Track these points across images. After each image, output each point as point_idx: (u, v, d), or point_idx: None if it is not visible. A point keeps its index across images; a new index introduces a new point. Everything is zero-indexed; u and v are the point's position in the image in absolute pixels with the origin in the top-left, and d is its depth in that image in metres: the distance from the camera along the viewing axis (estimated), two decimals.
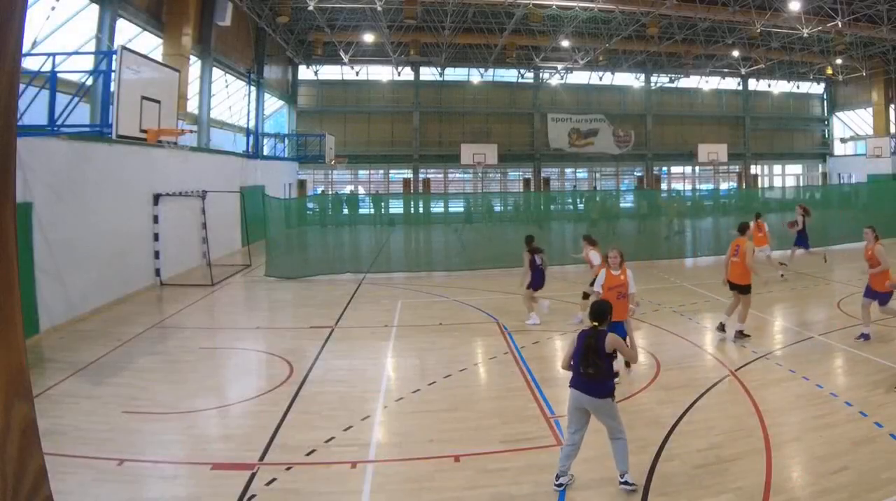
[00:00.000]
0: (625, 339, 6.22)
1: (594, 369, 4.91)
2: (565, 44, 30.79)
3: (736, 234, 9.99)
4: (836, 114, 41.23)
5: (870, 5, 24.88)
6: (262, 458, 5.65)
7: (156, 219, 14.55)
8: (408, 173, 37.21)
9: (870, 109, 37.22)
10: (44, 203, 10.17)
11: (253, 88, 26.40)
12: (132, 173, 13.62)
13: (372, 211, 25.38)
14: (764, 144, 40.71)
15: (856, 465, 5.17)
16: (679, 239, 20.89)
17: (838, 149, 41.37)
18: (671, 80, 37.89)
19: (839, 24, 25.07)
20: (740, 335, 9.31)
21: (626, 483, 4.95)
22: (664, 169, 40.59)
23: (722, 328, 9.58)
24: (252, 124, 25.25)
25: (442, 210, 26.06)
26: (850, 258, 17.80)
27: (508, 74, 37.59)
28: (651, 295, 12.95)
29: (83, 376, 8.02)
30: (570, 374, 5.19)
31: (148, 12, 17.36)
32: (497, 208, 25.28)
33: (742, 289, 9.42)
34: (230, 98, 25.08)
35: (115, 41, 14.57)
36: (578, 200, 26.45)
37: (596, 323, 5.08)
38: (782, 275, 14.37)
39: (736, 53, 32.70)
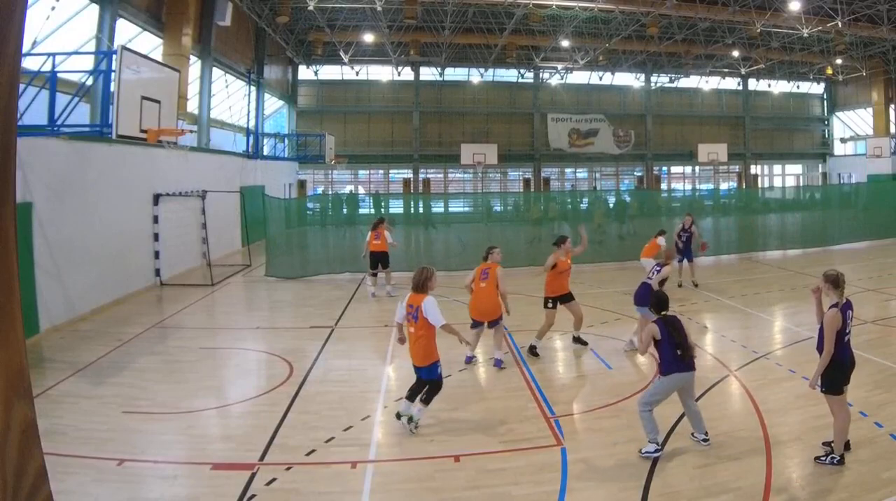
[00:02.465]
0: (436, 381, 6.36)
1: (690, 348, 5.72)
2: (565, 44, 30.80)
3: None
4: (836, 114, 41.23)
5: (870, 5, 24.88)
6: (262, 458, 5.65)
7: (156, 219, 14.55)
8: (408, 173, 37.21)
9: (870, 109, 37.22)
10: (44, 203, 10.17)
11: (253, 88, 26.39)
12: (132, 173, 13.61)
13: (372, 211, 25.39)
14: (764, 144, 40.72)
15: (856, 465, 5.17)
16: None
17: (838, 149, 41.38)
18: (671, 80, 37.89)
19: (839, 24, 25.08)
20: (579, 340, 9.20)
21: (707, 440, 5.71)
22: (664, 169, 40.61)
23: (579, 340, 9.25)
24: (252, 124, 25.24)
25: (442, 210, 26.06)
26: (850, 258, 17.81)
27: (508, 74, 37.60)
28: None
29: (83, 376, 8.02)
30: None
31: (148, 12, 17.36)
32: (497, 208, 25.29)
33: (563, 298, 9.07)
34: (230, 98, 25.09)
35: (115, 41, 14.57)
36: (578, 200, 26.48)
37: (665, 312, 5.95)
38: None
39: (736, 53, 32.70)
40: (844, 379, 5.30)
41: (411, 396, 6.39)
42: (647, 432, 5.59)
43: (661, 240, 12.91)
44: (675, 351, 5.62)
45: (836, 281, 5.31)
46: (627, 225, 20.90)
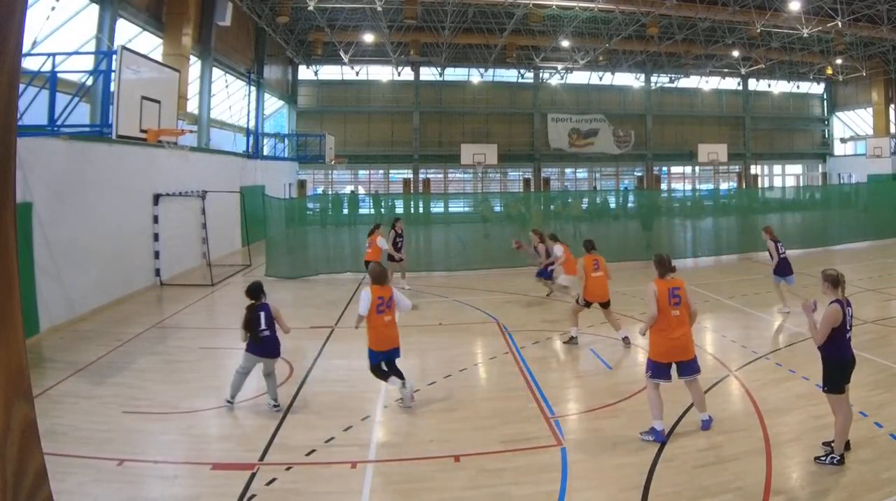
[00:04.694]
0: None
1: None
2: (565, 44, 30.78)
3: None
4: (836, 114, 41.22)
5: (870, 5, 24.87)
6: (262, 458, 5.66)
7: (156, 219, 14.55)
8: (408, 173, 37.20)
9: (870, 109, 37.20)
10: (44, 203, 10.17)
11: (253, 88, 26.39)
12: (132, 173, 13.62)
13: (372, 211, 25.40)
14: (764, 144, 40.71)
15: (856, 465, 5.17)
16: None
17: (838, 149, 41.36)
18: (671, 80, 37.87)
19: (839, 24, 25.07)
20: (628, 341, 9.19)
21: (277, 406, 6.89)
22: (664, 169, 40.60)
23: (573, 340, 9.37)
24: (252, 124, 25.24)
25: (442, 210, 26.06)
26: (850, 258, 17.81)
27: (508, 74, 37.57)
28: None
29: (83, 376, 8.02)
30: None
31: (148, 12, 17.35)
32: (497, 208, 25.28)
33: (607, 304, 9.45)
34: (230, 98, 25.08)
35: (115, 41, 14.56)
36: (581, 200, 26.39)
37: (257, 301, 6.86)
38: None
39: (736, 53, 32.68)
40: (846, 378, 5.31)
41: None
42: (232, 388, 6.87)
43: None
44: (257, 334, 6.68)
45: (835, 281, 5.36)
46: (652, 232, 19.84)
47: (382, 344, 6.79)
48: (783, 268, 11.17)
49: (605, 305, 9.41)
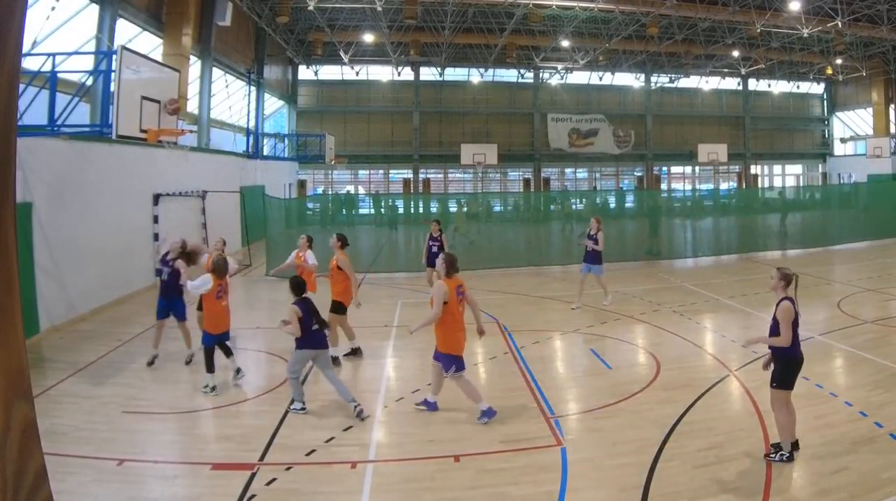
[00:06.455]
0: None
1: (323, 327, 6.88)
2: (565, 44, 30.78)
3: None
4: (836, 114, 41.21)
5: (870, 5, 24.88)
6: (262, 458, 5.66)
7: (156, 219, 14.55)
8: (408, 173, 37.20)
9: (870, 109, 37.20)
10: (44, 203, 10.17)
11: (253, 88, 26.38)
12: (132, 173, 13.61)
13: (372, 211, 25.40)
14: (764, 144, 40.71)
15: (856, 465, 5.17)
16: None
17: (838, 149, 41.36)
18: (671, 80, 37.85)
19: (839, 24, 25.07)
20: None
21: (359, 406, 6.64)
22: (664, 169, 40.60)
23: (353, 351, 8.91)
24: (252, 124, 25.23)
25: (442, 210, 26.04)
26: (850, 258, 17.81)
27: (508, 74, 37.57)
28: (651, 295, 12.95)
29: (83, 376, 8.02)
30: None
31: (148, 12, 17.35)
32: (497, 208, 25.29)
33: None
34: (230, 98, 25.07)
35: (115, 41, 14.55)
36: (578, 201, 26.39)
37: (303, 295, 6.87)
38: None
39: (736, 53, 32.69)
40: (797, 375, 5.38)
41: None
42: (295, 395, 6.78)
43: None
44: (310, 329, 6.63)
45: (789, 279, 5.47)
46: (658, 236, 19.36)
47: (219, 327, 7.60)
48: (600, 257, 11.83)
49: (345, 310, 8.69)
